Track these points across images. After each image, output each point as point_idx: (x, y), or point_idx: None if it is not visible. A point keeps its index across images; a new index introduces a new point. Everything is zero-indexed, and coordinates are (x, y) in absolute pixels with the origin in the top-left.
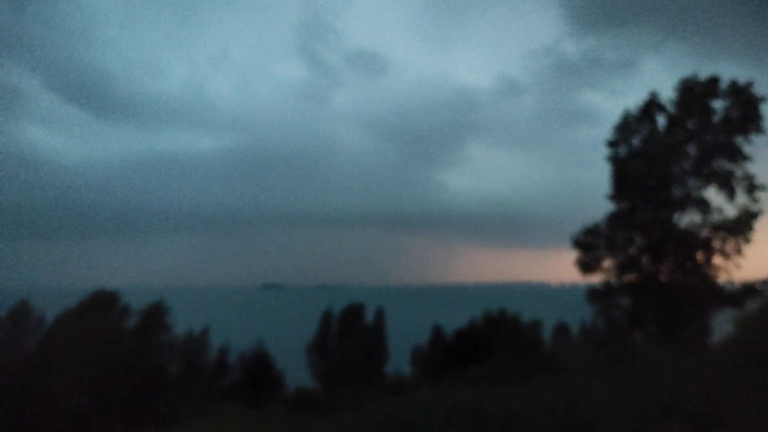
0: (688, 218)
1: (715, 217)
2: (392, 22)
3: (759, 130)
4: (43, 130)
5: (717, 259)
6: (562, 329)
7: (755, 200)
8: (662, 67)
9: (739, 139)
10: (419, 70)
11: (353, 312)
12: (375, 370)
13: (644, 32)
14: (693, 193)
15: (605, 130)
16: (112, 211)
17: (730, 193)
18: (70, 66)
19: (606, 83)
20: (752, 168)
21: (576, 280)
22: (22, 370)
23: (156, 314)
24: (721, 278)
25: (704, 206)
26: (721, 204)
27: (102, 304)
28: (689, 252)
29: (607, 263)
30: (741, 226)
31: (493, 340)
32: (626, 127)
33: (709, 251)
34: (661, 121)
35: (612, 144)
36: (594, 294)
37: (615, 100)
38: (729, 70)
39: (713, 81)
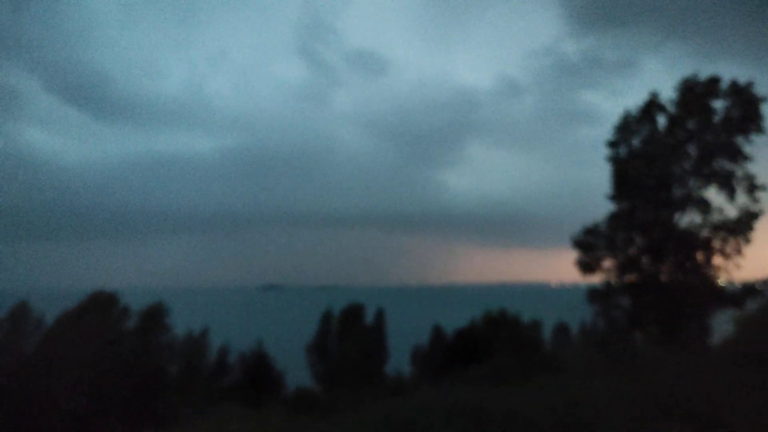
0: (689, 218)
1: (716, 217)
2: (392, 22)
3: (759, 130)
4: (42, 131)
5: (717, 260)
6: (562, 329)
7: (755, 200)
8: (662, 67)
9: (739, 139)
10: (419, 70)
11: (353, 312)
12: (375, 371)
13: (644, 32)
14: (693, 194)
15: (605, 130)
16: (111, 211)
17: (731, 194)
18: (68, 67)
19: (606, 83)
20: (753, 168)
21: (576, 280)
22: (22, 371)
23: (155, 315)
24: (722, 278)
25: (704, 206)
26: (722, 204)
27: (101, 305)
28: (689, 252)
29: (607, 263)
30: (741, 227)
31: (493, 340)
32: (626, 127)
33: (709, 251)
34: (661, 121)
35: (612, 144)
36: (594, 294)
37: (615, 100)
38: (729, 70)
39: (713, 81)
